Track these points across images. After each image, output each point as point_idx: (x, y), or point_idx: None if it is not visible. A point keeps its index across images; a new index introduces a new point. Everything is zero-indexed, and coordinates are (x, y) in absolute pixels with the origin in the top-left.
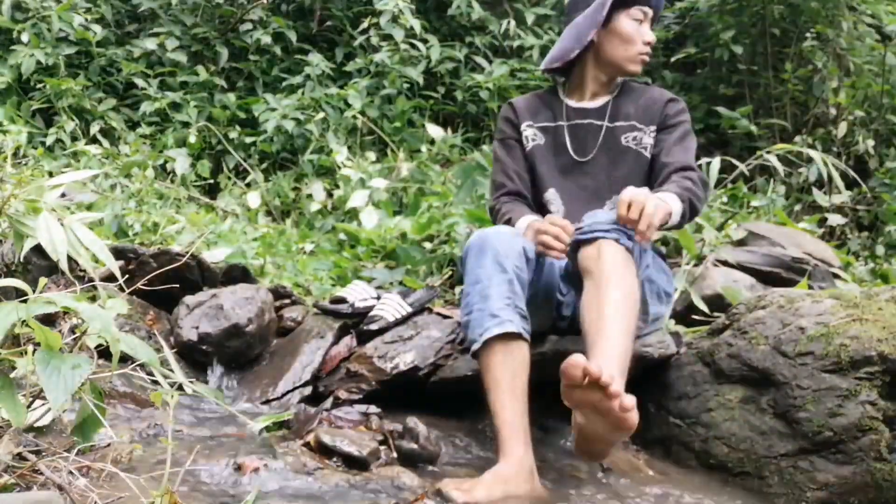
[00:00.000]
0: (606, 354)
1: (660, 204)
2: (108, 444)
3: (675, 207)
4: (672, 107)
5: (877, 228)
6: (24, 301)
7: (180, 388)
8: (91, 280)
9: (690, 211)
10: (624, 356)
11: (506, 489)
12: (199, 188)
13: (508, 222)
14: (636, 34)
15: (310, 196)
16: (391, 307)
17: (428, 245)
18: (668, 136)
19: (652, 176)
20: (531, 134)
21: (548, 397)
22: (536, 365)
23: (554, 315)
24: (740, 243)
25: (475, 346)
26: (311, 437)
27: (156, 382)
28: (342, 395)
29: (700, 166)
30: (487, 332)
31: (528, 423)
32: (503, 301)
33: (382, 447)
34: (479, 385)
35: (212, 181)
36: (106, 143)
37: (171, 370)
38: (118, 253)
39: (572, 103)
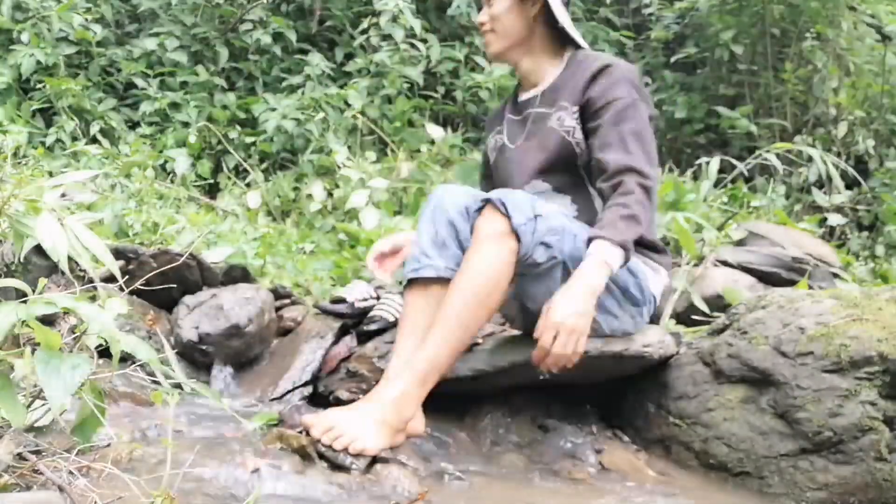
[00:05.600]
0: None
1: (584, 317)
2: (108, 444)
3: (613, 264)
4: (600, 82)
5: (877, 228)
6: (24, 301)
7: (180, 387)
8: (91, 280)
9: (633, 241)
10: (441, 358)
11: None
12: (199, 188)
13: None
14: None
15: (310, 196)
16: (391, 307)
17: None
18: (598, 121)
19: (591, 173)
20: (491, 142)
21: (547, 397)
22: (535, 364)
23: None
24: (740, 243)
25: (403, 283)
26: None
27: (156, 382)
28: (343, 395)
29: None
30: (410, 273)
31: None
32: (430, 244)
33: None
34: (478, 384)
35: (212, 181)
36: (106, 143)
37: (172, 370)
38: (118, 253)
39: (520, 98)
